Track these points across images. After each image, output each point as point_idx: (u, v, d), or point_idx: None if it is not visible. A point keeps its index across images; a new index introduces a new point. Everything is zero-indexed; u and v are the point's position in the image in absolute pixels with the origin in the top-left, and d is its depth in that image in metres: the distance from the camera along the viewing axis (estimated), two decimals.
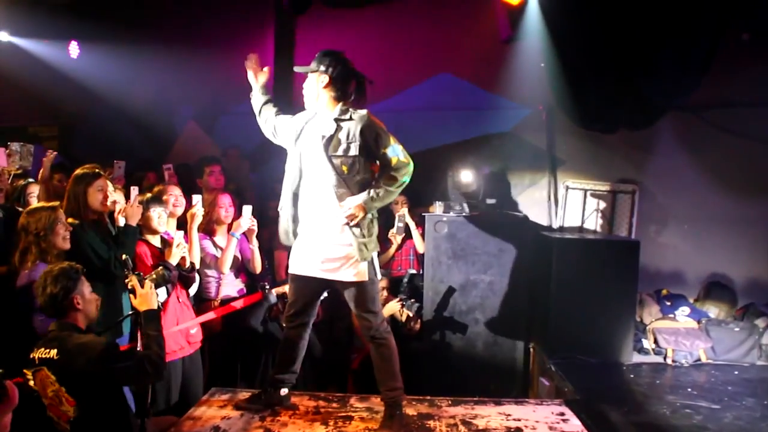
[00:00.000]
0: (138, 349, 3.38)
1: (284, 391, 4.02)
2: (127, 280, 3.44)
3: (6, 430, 1.82)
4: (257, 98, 4.01)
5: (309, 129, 3.77)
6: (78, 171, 4.27)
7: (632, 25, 5.87)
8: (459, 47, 7.26)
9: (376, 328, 3.79)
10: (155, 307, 3.37)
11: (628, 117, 6.42)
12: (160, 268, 3.78)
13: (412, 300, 5.62)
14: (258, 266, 5.15)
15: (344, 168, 3.63)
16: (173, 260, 4.24)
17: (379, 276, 3.89)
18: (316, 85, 3.71)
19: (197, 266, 4.67)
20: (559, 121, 7.02)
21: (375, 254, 3.83)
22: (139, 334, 3.38)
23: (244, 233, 5.02)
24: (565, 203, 7.18)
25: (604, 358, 5.56)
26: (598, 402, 4.54)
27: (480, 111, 7.30)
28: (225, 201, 5.13)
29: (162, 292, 3.94)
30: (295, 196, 3.80)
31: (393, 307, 5.58)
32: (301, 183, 3.78)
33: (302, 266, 3.82)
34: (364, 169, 3.68)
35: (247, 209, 4.97)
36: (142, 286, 3.40)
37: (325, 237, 3.72)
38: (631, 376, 5.33)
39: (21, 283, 3.72)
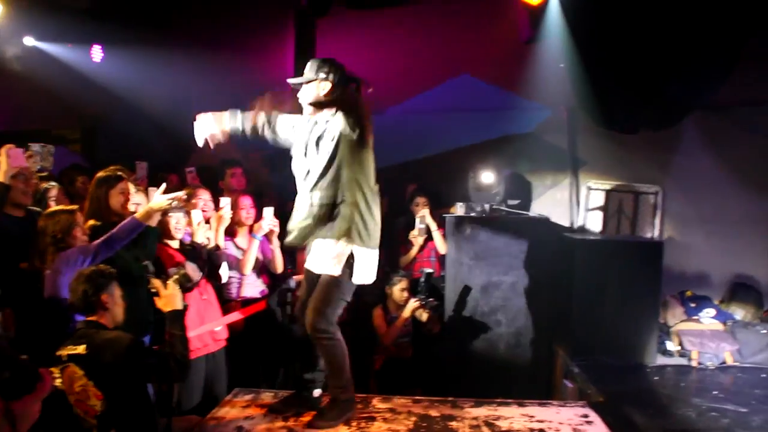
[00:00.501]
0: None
1: (317, 392, 3.99)
2: (149, 285, 3.51)
3: (35, 417, 1.87)
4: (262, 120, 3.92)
5: (308, 136, 3.76)
6: (100, 174, 4.30)
7: (655, 23, 5.82)
8: (479, 48, 7.23)
9: (316, 327, 3.69)
10: (180, 308, 3.43)
11: (650, 117, 6.37)
12: (180, 268, 3.81)
13: (431, 299, 5.62)
14: (279, 266, 5.17)
15: (326, 163, 3.62)
16: (198, 239, 4.33)
17: (354, 281, 3.72)
18: (316, 93, 3.69)
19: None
20: (581, 121, 6.97)
21: (358, 259, 3.68)
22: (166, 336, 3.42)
23: (265, 234, 5.04)
24: (587, 204, 7.13)
25: (628, 360, 5.49)
26: (623, 404, 4.49)
27: (501, 112, 7.27)
28: (246, 203, 5.17)
29: (195, 271, 4.03)
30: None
31: (412, 306, 5.58)
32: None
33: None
34: (347, 163, 3.62)
35: (268, 211, 5.00)
36: (166, 288, 3.45)
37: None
38: (656, 378, 5.28)
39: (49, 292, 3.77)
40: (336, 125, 3.61)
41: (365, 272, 3.73)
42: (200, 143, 3.85)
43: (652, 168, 7.02)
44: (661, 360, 5.66)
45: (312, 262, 3.78)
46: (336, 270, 3.64)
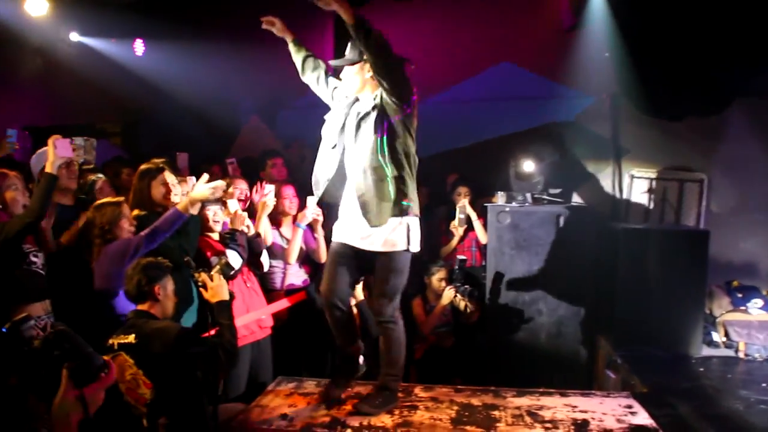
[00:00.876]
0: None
1: (362, 359, 4.06)
2: (195, 278, 3.57)
3: (99, 404, 1.95)
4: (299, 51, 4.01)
5: (347, 111, 3.79)
6: (143, 166, 4.37)
7: (701, 8, 5.70)
8: (520, 36, 7.19)
9: (383, 313, 3.83)
10: (226, 298, 3.48)
11: (696, 104, 6.26)
12: (222, 257, 3.86)
13: (466, 286, 5.61)
14: (323, 255, 5.18)
15: (377, 142, 3.63)
16: (238, 225, 4.45)
17: (412, 251, 3.75)
18: (361, 74, 3.70)
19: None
20: (624, 109, 6.85)
21: (412, 228, 3.73)
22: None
23: (309, 224, 5.08)
24: (630, 192, 7.02)
25: (672, 351, 5.41)
26: (667, 395, 4.43)
27: (542, 100, 7.21)
28: (288, 192, 5.21)
29: (236, 257, 4.14)
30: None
31: (448, 295, 5.58)
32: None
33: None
34: (396, 138, 3.63)
35: (311, 200, 5.02)
36: (212, 280, 3.51)
37: None
38: (701, 369, 5.19)
39: (96, 285, 3.86)
40: (382, 102, 3.63)
41: (417, 239, 3.77)
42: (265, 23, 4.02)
43: (697, 155, 6.86)
44: (707, 351, 5.56)
45: (365, 240, 3.72)
46: (402, 244, 3.68)
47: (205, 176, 4.14)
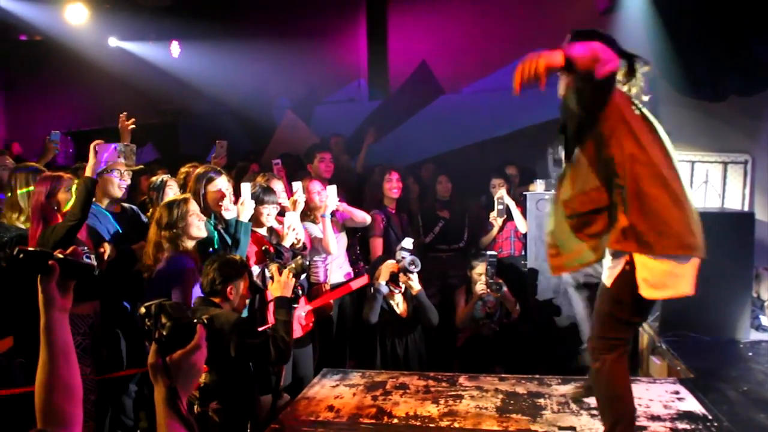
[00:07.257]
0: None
1: None
2: (268, 269, 3.60)
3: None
4: None
5: None
6: (199, 170, 4.35)
7: None
8: (555, 21, 7.09)
9: (590, 345, 3.14)
10: (289, 296, 3.52)
11: (739, 82, 6.09)
12: (299, 258, 3.86)
13: (499, 281, 5.60)
14: (359, 217, 5.42)
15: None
16: (287, 242, 4.39)
17: (643, 295, 2.91)
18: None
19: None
20: (663, 91, 6.72)
21: (641, 269, 2.88)
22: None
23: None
24: None
25: (719, 336, 5.30)
26: (715, 380, 4.36)
27: None
28: (315, 187, 5.22)
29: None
30: None
31: (479, 289, 5.64)
32: None
33: None
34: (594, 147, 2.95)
35: (331, 188, 5.07)
36: (281, 274, 3.55)
37: None
38: (749, 354, 5.08)
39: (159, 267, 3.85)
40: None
41: (657, 285, 2.89)
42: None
43: (741, 136, 6.69)
44: (755, 335, 5.44)
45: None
46: (606, 279, 3.00)
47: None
